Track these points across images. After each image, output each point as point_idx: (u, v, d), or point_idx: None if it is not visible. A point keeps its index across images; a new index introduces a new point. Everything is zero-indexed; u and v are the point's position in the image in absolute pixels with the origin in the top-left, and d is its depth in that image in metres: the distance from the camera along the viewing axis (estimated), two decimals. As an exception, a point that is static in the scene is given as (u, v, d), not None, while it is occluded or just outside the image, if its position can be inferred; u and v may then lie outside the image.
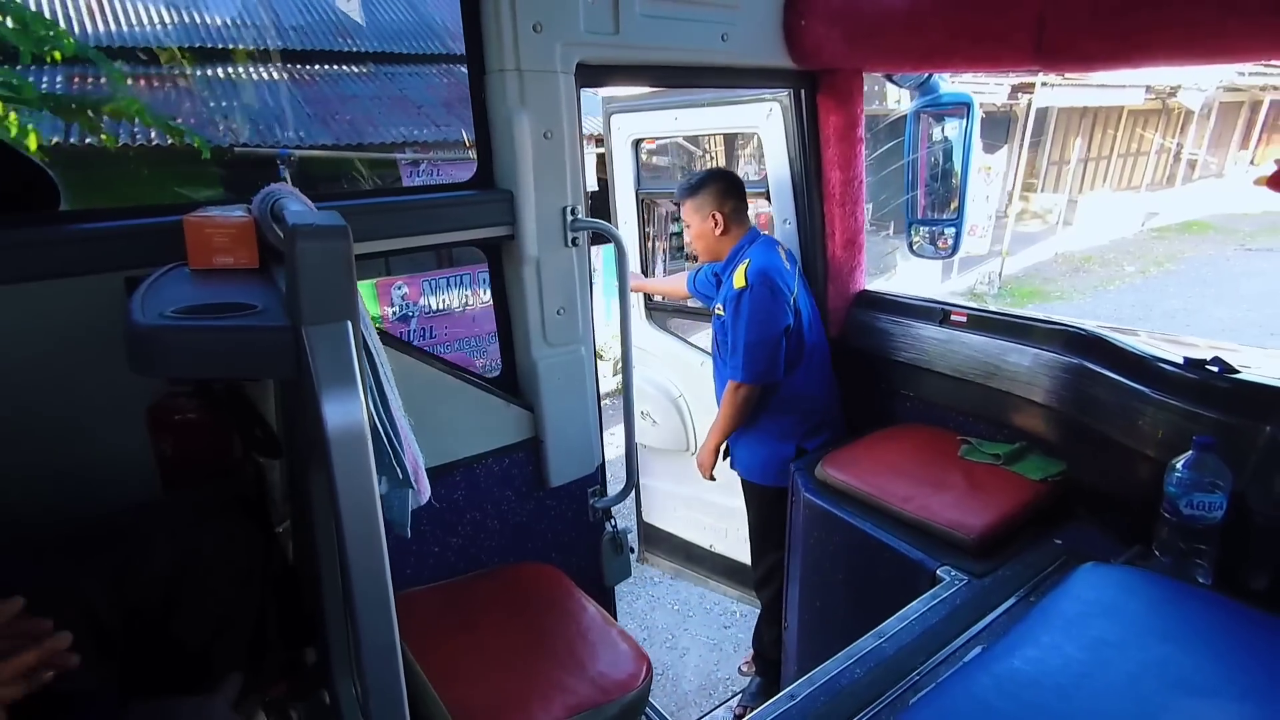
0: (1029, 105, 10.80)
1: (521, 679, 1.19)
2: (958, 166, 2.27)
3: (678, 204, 2.09)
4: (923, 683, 1.15)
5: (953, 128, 2.29)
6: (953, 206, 2.32)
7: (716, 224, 2.01)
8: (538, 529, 1.64)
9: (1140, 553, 1.35)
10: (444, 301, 6.03)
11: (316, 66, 7.24)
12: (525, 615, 1.36)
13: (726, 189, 2.02)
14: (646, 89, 2.55)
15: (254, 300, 0.70)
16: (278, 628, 0.90)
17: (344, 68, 7.38)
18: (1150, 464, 1.36)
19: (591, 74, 1.48)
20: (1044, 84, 10.52)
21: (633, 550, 1.88)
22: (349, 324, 0.58)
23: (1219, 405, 1.30)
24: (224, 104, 6.51)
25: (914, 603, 1.33)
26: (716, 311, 2.05)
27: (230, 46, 6.91)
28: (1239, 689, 0.91)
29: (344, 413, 0.54)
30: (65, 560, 0.77)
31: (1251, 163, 15.71)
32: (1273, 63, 11.93)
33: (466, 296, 6.18)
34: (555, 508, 1.66)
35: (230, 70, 6.82)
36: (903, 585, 1.43)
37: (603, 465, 1.73)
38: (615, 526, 1.81)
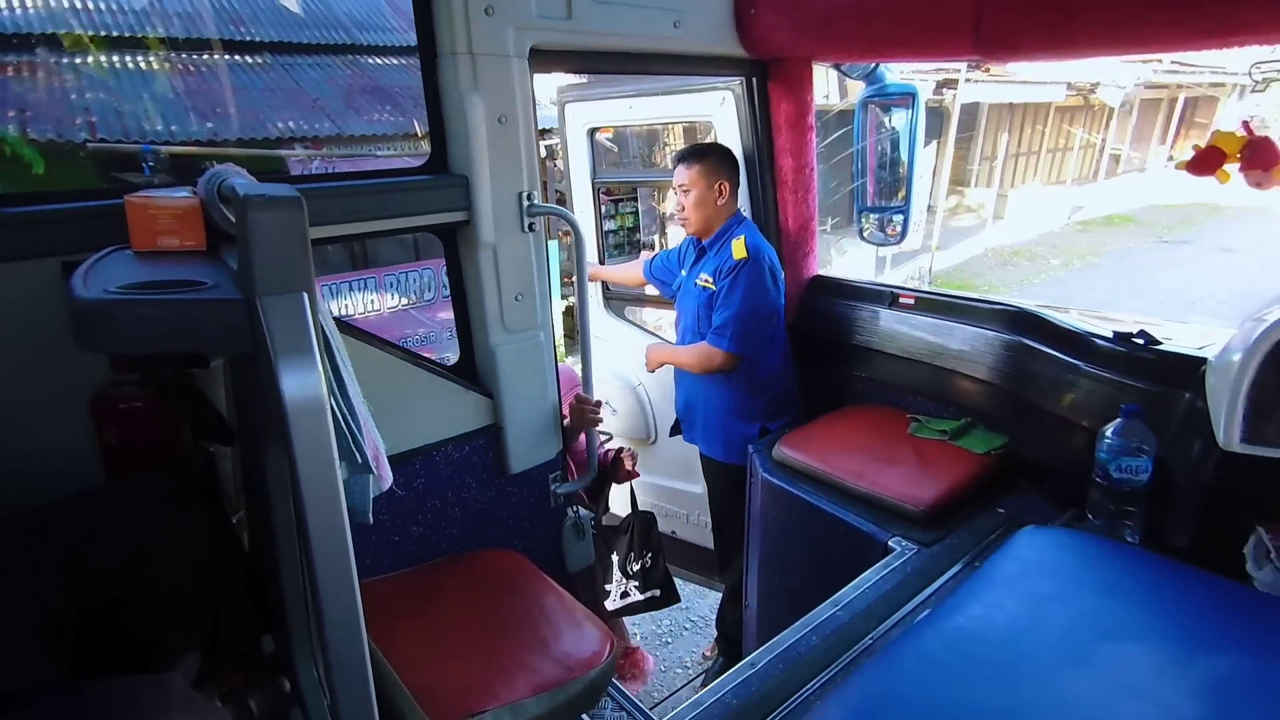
0: (954, 100, 11.05)
1: (486, 661, 1.19)
2: (904, 155, 2.34)
3: (677, 166, 2.04)
4: (875, 646, 1.20)
5: (899, 118, 2.36)
6: (900, 194, 2.39)
7: (721, 194, 2.00)
8: (499, 516, 1.64)
9: (1075, 516, 1.43)
10: (344, 307, 5.80)
11: (201, 56, 6.65)
12: (488, 600, 1.36)
13: (733, 162, 2.04)
14: (602, 77, 2.55)
15: (204, 278, 0.68)
16: (234, 617, 0.88)
17: (234, 57, 6.82)
18: (1083, 433, 1.44)
19: (545, 59, 1.48)
20: (968, 80, 10.73)
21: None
22: (304, 295, 0.57)
23: (1144, 375, 1.39)
24: (88, 96, 5.87)
25: (867, 572, 1.39)
26: (702, 282, 2.04)
27: (102, 34, 6.19)
28: (1163, 634, 0.98)
29: (302, 384, 0.54)
30: (11, 548, 0.74)
31: (1170, 157, 16.52)
32: (1188, 60, 12.59)
33: (371, 300, 5.97)
34: (516, 494, 1.66)
35: (100, 60, 6.12)
36: (856, 557, 1.48)
37: (564, 451, 1.73)
38: (577, 512, 1.82)
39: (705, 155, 2.01)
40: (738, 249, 1.94)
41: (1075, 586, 1.09)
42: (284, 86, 6.91)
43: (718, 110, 2.20)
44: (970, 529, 1.49)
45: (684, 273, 2.18)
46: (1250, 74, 1.61)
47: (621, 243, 3.16)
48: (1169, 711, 0.83)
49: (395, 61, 7.59)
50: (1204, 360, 1.30)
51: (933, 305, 1.90)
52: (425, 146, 1.46)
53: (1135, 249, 11.83)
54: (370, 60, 7.66)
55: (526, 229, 1.50)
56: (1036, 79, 11.96)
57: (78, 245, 1.00)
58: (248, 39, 7.03)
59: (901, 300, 1.97)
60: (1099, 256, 11.39)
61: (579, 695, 1.17)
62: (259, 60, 7.01)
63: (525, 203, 1.48)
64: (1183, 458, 1.27)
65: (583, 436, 1.77)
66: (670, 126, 7.03)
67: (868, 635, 1.22)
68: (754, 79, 2.02)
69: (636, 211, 3.34)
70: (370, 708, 0.64)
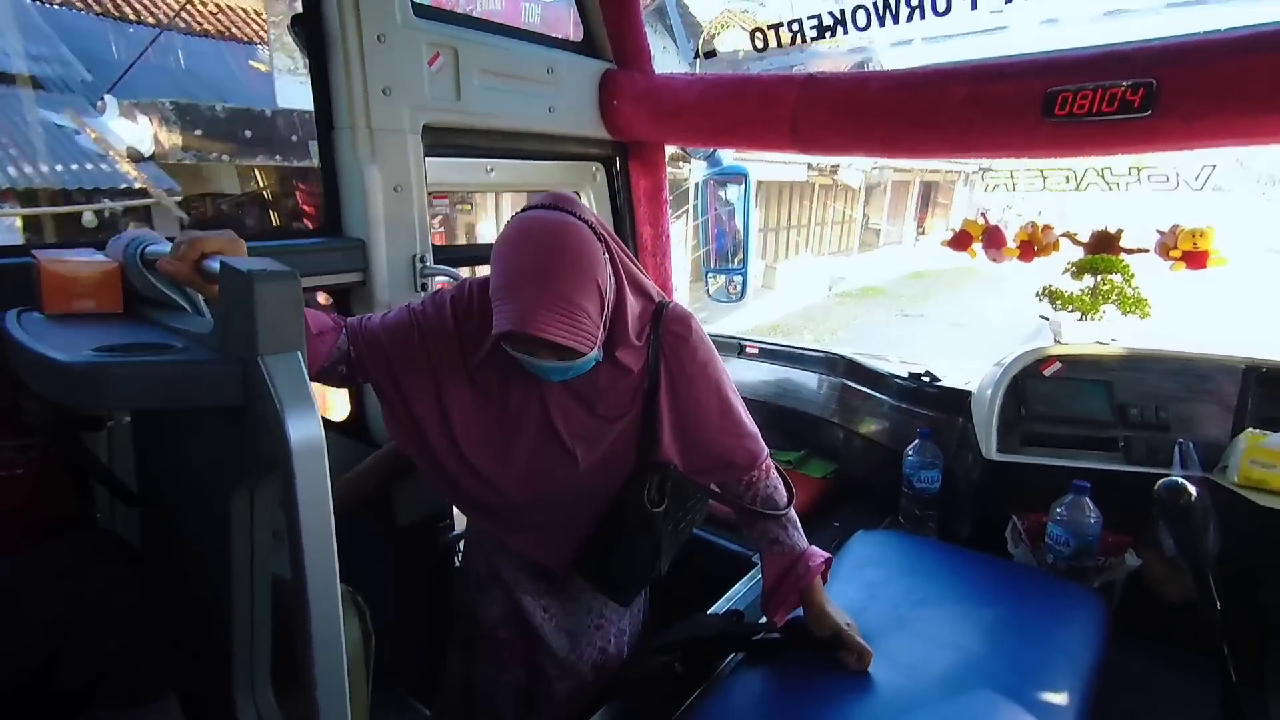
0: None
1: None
2: (740, 225, 2.73)
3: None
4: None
5: (734, 193, 2.75)
6: (738, 259, 2.77)
7: None
8: (390, 570, 1.66)
9: (892, 521, 1.77)
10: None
11: None
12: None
13: None
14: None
15: (166, 340, 0.75)
16: (151, 669, 0.87)
17: None
18: (892, 454, 1.79)
19: (437, 135, 1.62)
20: (738, 158, 11.55)
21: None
22: (299, 353, 0.67)
23: (932, 405, 1.78)
24: None
25: (738, 584, 1.61)
26: None
27: None
28: (956, 600, 1.28)
29: (306, 429, 0.64)
30: None
31: (920, 231, 18.83)
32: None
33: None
34: (405, 547, 1.69)
35: None
36: (728, 572, 1.69)
37: None
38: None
39: None
40: None
41: (896, 573, 1.38)
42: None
43: (590, 183, 2.43)
44: (814, 540, 1.77)
45: None
46: (982, 176, 2.15)
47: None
48: (962, 651, 1.11)
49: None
50: (969, 393, 1.70)
51: (773, 354, 2.24)
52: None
53: (880, 321, 12.40)
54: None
55: (419, 289, 1.59)
56: (783, 160, 12.07)
57: None
58: None
59: (748, 350, 2.29)
60: (848, 330, 11.81)
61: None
62: None
63: (419, 265, 1.58)
64: (961, 468, 1.65)
65: None
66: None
67: None
68: (616, 158, 2.29)
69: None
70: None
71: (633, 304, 1.10)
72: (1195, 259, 1.65)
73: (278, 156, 6.47)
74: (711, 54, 2.27)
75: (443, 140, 1.67)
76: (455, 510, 1.90)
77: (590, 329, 0.99)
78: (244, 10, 7.79)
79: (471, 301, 1.11)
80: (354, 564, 1.57)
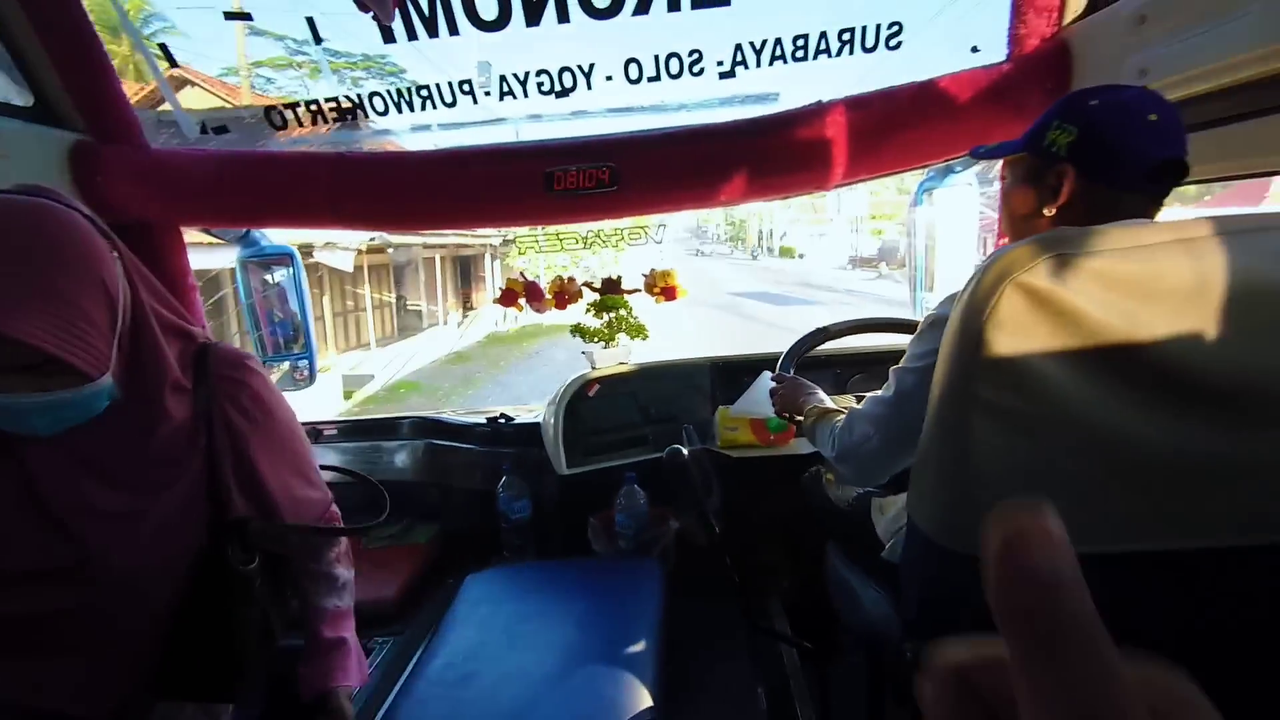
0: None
1: None
2: (295, 307, 2.57)
3: None
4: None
5: (282, 274, 2.58)
6: (300, 343, 2.60)
7: None
8: None
9: (500, 557, 1.88)
10: None
11: None
12: None
13: None
14: None
15: None
16: None
17: None
18: (490, 496, 1.91)
19: None
20: (194, 244, 8.96)
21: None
22: None
23: (513, 443, 1.97)
24: None
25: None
26: None
27: None
28: (553, 604, 1.45)
29: None
30: None
31: (469, 306, 17.16)
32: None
33: None
34: None
35: None
36: None
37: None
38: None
39: None
40: None
41: (503, 601, 1.48)
42: None
43: None
44: (433, 600, 1.76)
45: None
46: (513, 246, 2.50)
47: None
48: (564, 646, 1.27)
49: None
50: (538, 424, 1.94)
51: (355, 430, 2.16)
52: None
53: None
54: None
55: None
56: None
57: None
58: None
59: (325, 433, 2.16)
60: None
61: None
62: None
63: None
64: (545, 490, 1.87)
65: None
66: None
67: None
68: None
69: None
70: None
71: (165, 338, 0.87)
72: (669, 292, 2.23)
73: None
74: (223, 129, 2.11)
75: None
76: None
77: (95, 341, 0.75)
78: None
79: None
80: None
